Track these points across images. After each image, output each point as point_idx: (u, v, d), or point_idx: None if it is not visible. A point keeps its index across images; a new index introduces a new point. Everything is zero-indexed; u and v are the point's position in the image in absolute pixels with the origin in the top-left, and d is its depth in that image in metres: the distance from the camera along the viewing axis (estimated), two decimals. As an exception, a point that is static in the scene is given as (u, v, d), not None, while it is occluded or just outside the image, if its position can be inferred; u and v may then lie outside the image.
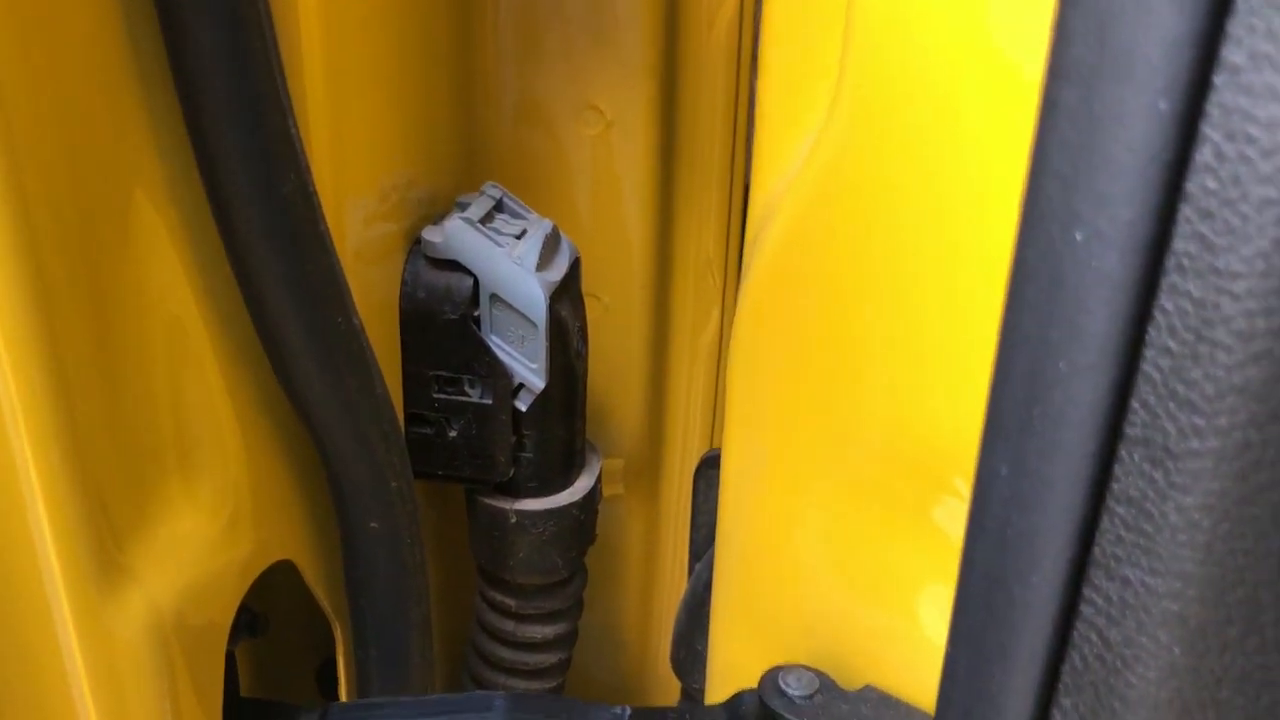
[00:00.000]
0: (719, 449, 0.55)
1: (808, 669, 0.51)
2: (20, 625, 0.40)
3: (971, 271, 0.40)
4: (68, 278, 0.39)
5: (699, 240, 0.79)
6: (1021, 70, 0.37)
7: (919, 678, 0.49)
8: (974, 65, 0.38)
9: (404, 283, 0.63)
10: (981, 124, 0.38)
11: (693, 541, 0.73)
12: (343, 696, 0.63)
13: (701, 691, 0.62)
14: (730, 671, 0.56)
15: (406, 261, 0.63)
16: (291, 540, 0.55)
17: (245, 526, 0.49)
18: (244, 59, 0.41)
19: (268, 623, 0.56)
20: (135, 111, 0.42)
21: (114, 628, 0.41)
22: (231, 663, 0.54)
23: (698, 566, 0.68)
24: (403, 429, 0.64)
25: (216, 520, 0.47)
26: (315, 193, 0.46)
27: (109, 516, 0.41)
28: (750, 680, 0.52)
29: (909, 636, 0.49)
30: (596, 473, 0.72)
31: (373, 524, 0.55)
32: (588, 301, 0.71)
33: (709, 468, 0.66)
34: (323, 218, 0.46)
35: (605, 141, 0.73)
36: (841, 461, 0.48)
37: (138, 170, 0.43)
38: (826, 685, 0.50)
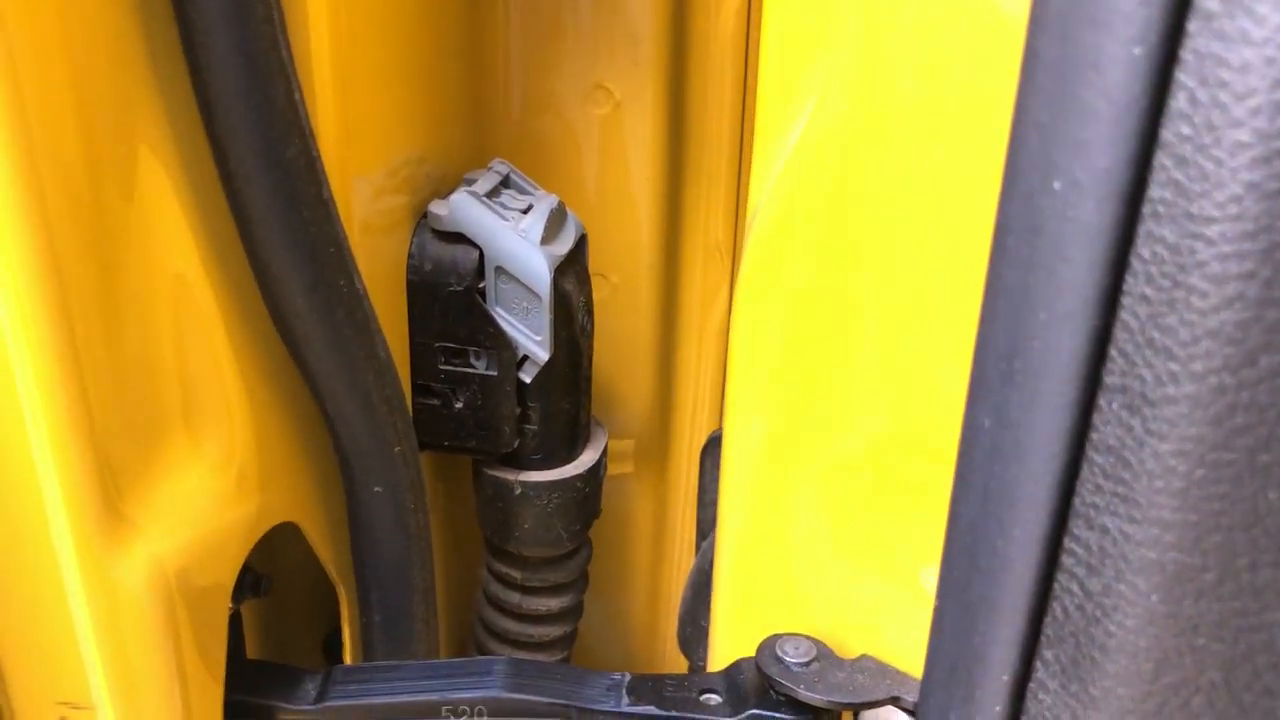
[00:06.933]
0: (724, 428, 0.55)
1: (805, 638, 0.51)
2: (28, 574, 0.41)
3: (966, 247, 0.40)
4: (75, 235, 0.40)
5: (707, 221, 0.79)
6: (1013, 42, 0.37)
7: (915, 648, 0.49)
8: (970, 41, 0.38)
9: (410, 255, 0.63)
10: (975, 100, 0.38)
11: (699, 520, 0.73)
12: (347, 661, 0.64)
13: (705, 667, 0.63)
14: (731, 643, 0.57)
15: (413, 234, 0.63)
16: (296, 502, 0.56)
17: (250, 486, 0.50)
18: (248, 26, 0.42)
19: (271, 583, 0.56)
20: (143, 74, 0.43)
21: (118, 579, 0.42)
22: (237, 624, 0.54)
23: (704, 544, 0.68)
24: (409, 400, 0.64)
25: (221, 479, 0.48)
26: (319, 160, 0.46)
27: (114, 470, 0.42)
28: (750, 652, 0.52)
29: (905, 608, 0.49)
30: (602, 448, 0.73)
31: (376, 487, 0.56)
32: (596, 281, 0.71)
33: (716, 447, 0.66)
34: (326, 184, 0.47)
35: (614, 121, 0.74)
36: (839, 438, 0.48)
37: (145, 133, 0.43)
38: (823, 653, 0.51)
